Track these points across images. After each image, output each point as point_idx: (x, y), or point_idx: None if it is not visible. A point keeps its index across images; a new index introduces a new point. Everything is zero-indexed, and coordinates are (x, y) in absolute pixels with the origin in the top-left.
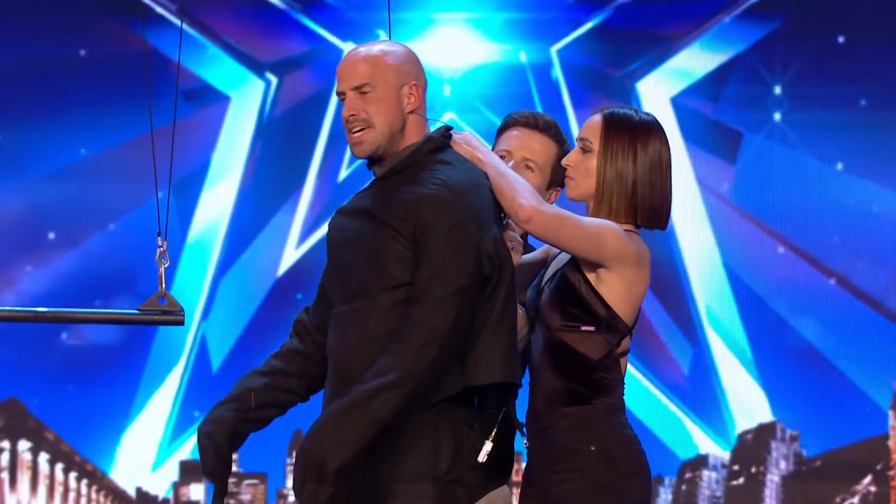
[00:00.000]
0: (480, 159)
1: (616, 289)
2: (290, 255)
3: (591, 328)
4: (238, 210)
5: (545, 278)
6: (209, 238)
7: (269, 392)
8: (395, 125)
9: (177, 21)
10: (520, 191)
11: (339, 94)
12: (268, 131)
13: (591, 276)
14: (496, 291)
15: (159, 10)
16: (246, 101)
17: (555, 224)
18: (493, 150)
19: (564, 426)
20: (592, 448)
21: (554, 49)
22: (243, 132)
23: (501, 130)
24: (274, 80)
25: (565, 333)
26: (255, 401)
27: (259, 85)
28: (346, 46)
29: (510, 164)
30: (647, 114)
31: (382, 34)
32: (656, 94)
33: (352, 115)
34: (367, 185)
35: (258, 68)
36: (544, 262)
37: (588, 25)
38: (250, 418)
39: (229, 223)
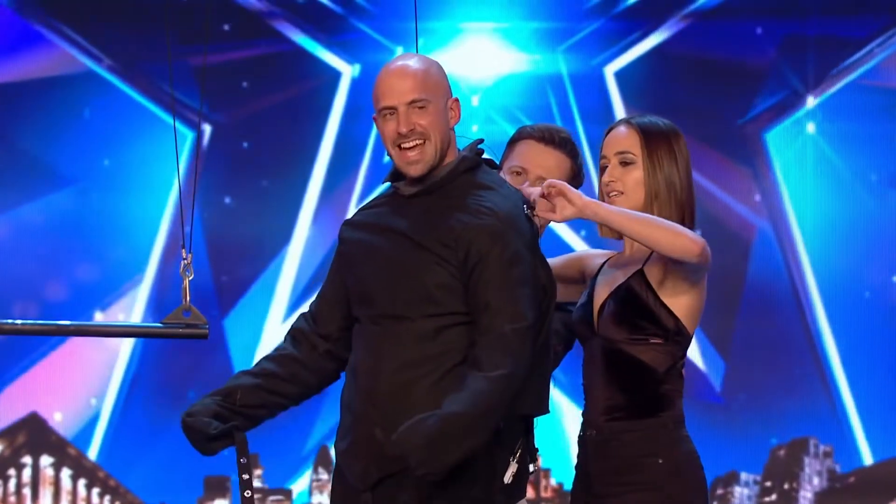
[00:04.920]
0: (608, 211)
1: (686, 300)
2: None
3: (659, 340)
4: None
5: (598, 294)
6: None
7: (259, 393)
8: (445, 141)
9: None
10: (680, 228)
11: (386, 108)
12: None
13: (658, 288)
14: (544, 321)
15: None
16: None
17: (706, 249)
18: (503, 161)
19: (630, 438)
20: (660, 461)
21: (610, 70)
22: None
23: (514, 141)
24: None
25: (632, 346)
26: (241, 399)
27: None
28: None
29: (525, 183)
30: (663, 118)
31: (400, 49)
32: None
33: (410, 129)
34: (379, 198)
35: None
36: (575, 271)
37: (648, 44)
38: (236, 412)
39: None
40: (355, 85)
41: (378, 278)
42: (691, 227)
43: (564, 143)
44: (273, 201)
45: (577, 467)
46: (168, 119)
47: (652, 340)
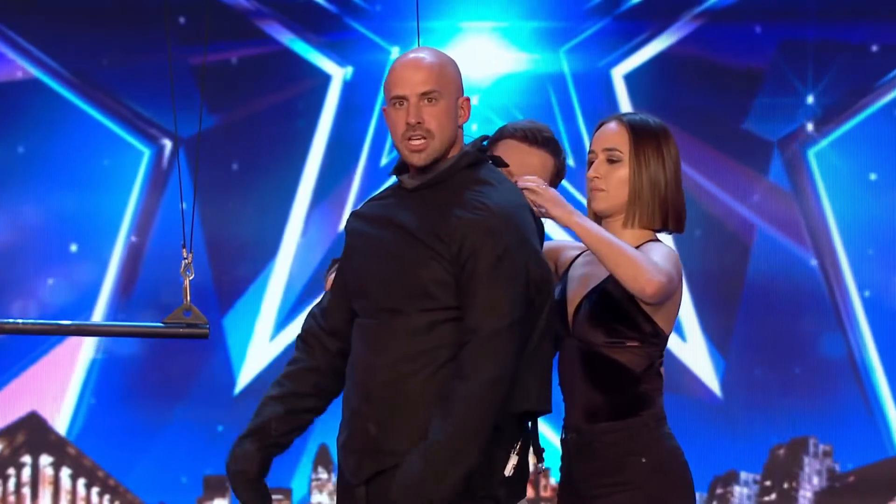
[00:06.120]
0: (577, 223)
1: (664, 305)
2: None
3: (636, 343)
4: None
5: (572, 292)
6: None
7: (288, 419)
8: (450, 138)
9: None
10: (643, 264)
11: (397, 98)
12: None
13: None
14: (537, 317)
15: (182, 20)
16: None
17: (666, 287)
18: None
19: (612, 439)
20: (643, 460)
21: (619, 73)
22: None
23: (495, 141)
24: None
25: (608, 349)
26: (276, 431)
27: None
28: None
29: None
30: (655, 117)
31: (394, 51)
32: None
33: (418, 122)
34: (384, 191)
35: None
36: (550, 261)
37: (653, 46)
38: (274, 445)
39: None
40: (350, 86)
41: (375, 270)
42: (676, 229)
43: (548, 142)
44: (273, 201)
45: (560, 470)
46: (158, 124)
47: (628, 344)
